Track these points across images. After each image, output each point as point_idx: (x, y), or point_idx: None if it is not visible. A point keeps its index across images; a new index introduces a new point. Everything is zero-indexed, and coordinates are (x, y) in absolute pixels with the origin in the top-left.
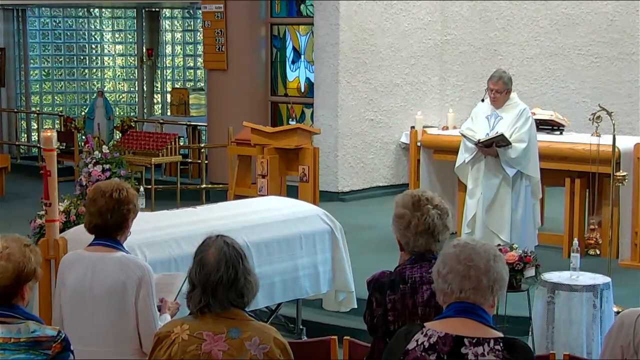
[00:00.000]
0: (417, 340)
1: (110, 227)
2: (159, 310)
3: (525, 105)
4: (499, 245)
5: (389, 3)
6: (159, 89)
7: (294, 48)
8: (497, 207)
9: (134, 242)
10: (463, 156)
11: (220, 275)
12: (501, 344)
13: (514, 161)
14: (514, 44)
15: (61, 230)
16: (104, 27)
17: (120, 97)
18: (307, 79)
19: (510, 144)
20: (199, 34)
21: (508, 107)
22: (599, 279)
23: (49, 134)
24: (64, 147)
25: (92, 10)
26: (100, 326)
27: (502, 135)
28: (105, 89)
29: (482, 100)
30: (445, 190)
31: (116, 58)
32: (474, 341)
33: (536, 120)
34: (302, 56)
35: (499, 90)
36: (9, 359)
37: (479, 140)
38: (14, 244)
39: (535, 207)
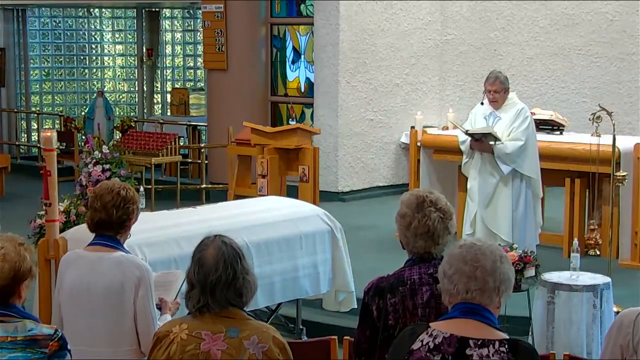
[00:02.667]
0: (422, 341)
1: (113, 223)
2: (159, 310)
3: (523, 105)
4: (499, 245)
5: (389, 3)
6: (159, 89)
7: (294, 48)
8: (497, 207)
9: (134, 242)
10: (464, 158)
11: (218, 274)
12: (506, 346)
13: (508, 157)
14: (514, 44)
15: (61, 230)
16: (104, 27)
17: (120, 97)
18: (307, 79)
19: (499, 140)
20: (199, 34)
21: (506, 107)
22: (599, 279)
23: (49, 134)
24: (64, 147)
25: (92, 10)
26: (98, 325)
27: (489, 133)
28: (105, 89)
29: (482, 104)
30: (445, 190)
31: (116, 58)
32: (479, 342)
33: (536, 120)
34: (302, 56)
35: (497, 90)
36: (6, 357)
37: (466, 130)
38: (9, 243)
39: (537, 206)
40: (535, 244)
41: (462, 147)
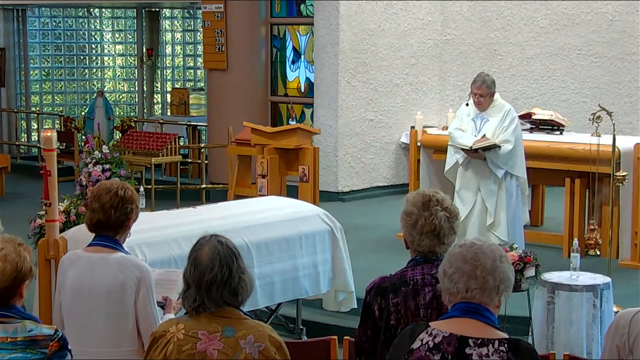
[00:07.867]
0: (421, 340)
1: (112, 224)
2: (163, 309)
3: (510, 106)
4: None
5: (389, 3)
6: (159, 89)
7: (294, 48)
8: (496, 208)
9: (134, 242)
10: (454, 158)
11: (214, 274)
12: (506, 345)
13: (500, 160)
14: (514, 44)
15: (61, 230)
16: (104, 27)
17: (120, 97)
18: (307, 79)
19: (500, 147)
20: (199, 34)
21: (493, 109)
22: (599, 279)
23: (49, 134)
24: (64, 147)
25: (92, 10)
26: (99, 326)
27: (495, 145)
28: (105, 89)
29: (467, 104)
30: (444, 190)
31: (116, 58)
32: (478, 342)
33: (536, 120)
34: (302, 56)
35: (483, 94)
36: (6, 358)
37: (471, 146)
38: (8, 244)
39: (525, 204)
40: (523, 241)
41: (457, 155)
